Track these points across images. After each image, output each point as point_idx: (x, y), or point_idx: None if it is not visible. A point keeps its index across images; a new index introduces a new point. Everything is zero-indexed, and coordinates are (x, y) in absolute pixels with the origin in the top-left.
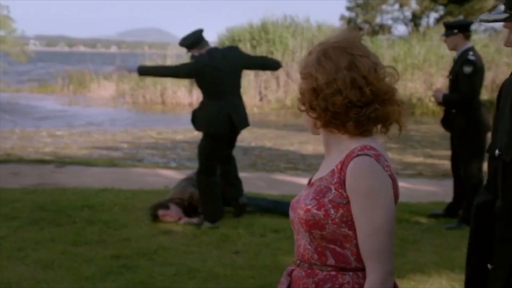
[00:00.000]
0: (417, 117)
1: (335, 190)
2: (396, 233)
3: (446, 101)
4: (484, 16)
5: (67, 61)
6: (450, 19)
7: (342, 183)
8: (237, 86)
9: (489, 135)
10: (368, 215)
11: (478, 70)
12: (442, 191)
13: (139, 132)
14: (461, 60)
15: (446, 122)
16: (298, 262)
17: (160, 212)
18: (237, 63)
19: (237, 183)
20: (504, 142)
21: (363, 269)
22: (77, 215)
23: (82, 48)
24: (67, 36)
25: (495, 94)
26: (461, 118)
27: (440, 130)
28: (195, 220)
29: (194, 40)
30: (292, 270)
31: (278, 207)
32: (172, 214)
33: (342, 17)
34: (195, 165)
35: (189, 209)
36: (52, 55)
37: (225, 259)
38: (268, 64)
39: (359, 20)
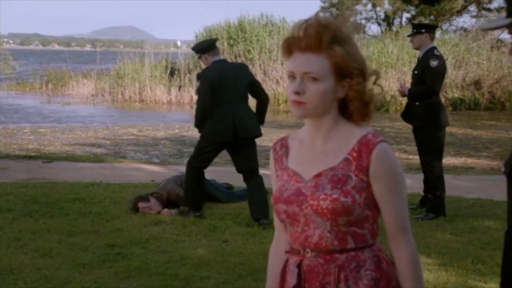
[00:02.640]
0: (391, 114)
1: (355, 176)
2: None
3: (412, 94)
4: (486, 25)
5: (42, 59)
6: (422, 19)
7: (363, 169)
8: (245, 96)
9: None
10: (398, 194)
11: (442, 65)
12: (418, 185)
13: (121, 129)
14: (427, 56)
15: (406, 116)
16: (308, 251)
17: (141, 205)
18: (247, 76)
19: (262, 204)
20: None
21: (373, 244)
22: (69, 208)
23: (56, 46)
24: (41, 34)
25: (465, 92)
26: (422, 111)
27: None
28: (174, 211)
29: (207, 45)
30: (301, 261)
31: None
32: (152, 206)
33: (317, 16)
34: (177, 161)
35: (168, 204)
36: (26, 53)
37: (214, 247)
38: (264, 98)
39: None
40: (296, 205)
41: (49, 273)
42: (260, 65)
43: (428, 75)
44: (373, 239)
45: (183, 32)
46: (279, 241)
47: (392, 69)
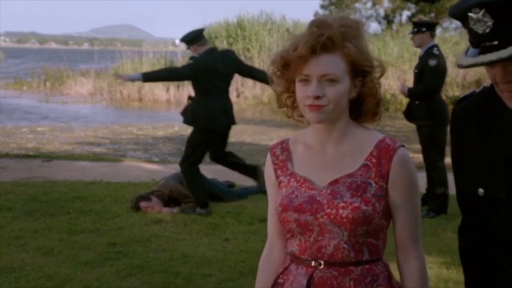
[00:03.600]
0: (391, 112)
1: (375, 184)
2: None
3: (411, 93)
4: (467, 60)
5: (39, 58)
6: (422, 17)
7: (384, 176)
8: (229, 86)
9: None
10: (415, 203)
11: (442, 64)
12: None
13: (120, 128)
14: (427, 55)
15: (408, 114)
16: (321, 263)
17: (142, 204)
18: (233, 65)
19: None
20: (489, 178)
21: (383, 256)
22: (70, 206)
23: (53, 45)
24: (38, 32)
25: (466, 91)
26: (423, 109)
27: (414, 125)
28: (175, 210)
29: (194, 36)
30: (312, 273)
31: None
32: (153, 206)
33: (316, 15)
34: (177, 160)
35: (169, 201)
36: (23, 51)
37: (216, 245)
38: (259, 76)
39: None
40: (309, 214)
41: (51, 271)
42: (259, 63)
43: (426, 74)
44: (383, 251)
45: (181, 30)
46: (272, 252)
47: (392, 68)
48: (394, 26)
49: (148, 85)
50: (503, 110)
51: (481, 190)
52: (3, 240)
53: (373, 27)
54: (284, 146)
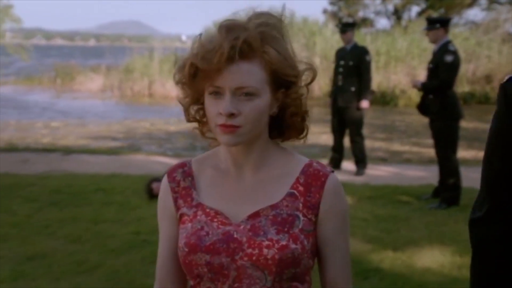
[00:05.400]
0: (401, 108)
1: (303, 216)
2: (389, 212)
3: (425, 88)
4: None
5: (47, 54)
6: (431, 12)
7: (313, 207)
8: None
9: (461, 123)
10: (346, 238)
11: (457, 60)
12: (430, 175)
13: (133, 123)
14: (442, 51)
15: (422, 108)
16: None
17: (155, 185)
18: None
19: None
20: None
21: None
22: (92, 198)
23: (60, 41)
24: (44, 28)
25: (476, 86)
26: (436, 103)
27: (424, 120)
28: None
29: None
30: None
31: None
32: None
33: (325, 11)
34: (190, 154)
35: None
36: (27, 51)
37: None
38: None
39: (341, 14)
40: (225, 255)
41: (81, 257)
42: None
43: (442, 70)
44: None
45: (188, 26)
46: None
47: (401, 63)
48: (404, 22)
49: (159, 81)
50: None
51: None
52: (32, 228)
53: (382, 23)
54: (185, 170)
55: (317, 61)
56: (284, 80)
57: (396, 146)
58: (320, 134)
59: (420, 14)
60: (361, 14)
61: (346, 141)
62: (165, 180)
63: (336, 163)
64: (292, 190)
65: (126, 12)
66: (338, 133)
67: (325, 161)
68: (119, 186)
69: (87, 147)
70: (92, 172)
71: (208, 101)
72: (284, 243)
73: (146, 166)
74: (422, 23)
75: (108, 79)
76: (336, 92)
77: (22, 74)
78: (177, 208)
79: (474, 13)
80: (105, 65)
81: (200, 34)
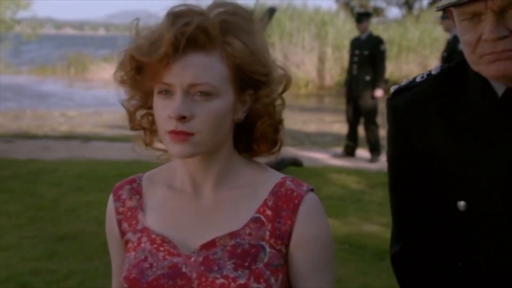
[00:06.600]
0: None
1: (270, 248)
2: None
3: None
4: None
5: (58, 44)
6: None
7: (283, 236)
8: None
9: None
10: (324, 275)
11: None
12: None
13: None
14: (456, 39)
15: None
16: None
17: None
18: None
19: None
20: (477, 189)
21: None
22: (115, 183)
23: (69, 31)
24: (54, 18)
25: None
26: None
27: None
28: None
29: None
30: None
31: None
32: None
33: (337, 0)
34: None
35: None
36: (39, 38)
37: None
38: None
39: (353, 3)
40: None
41: None
42: (281, 49)
43: (455, 58)
44: None
45: None
46: None
47: (413, 53)
48: (415, 11)
49: None
50: (480, 97)
51: (461, 203)
52: (60, 211)
53: (394, 12)
54: (134, 187)
55: (328, 51)
56: (251, 79)
57: None
58: (332, 123)
59: (431, 3)
60: (372, 3)
61: (361, 130)
62: (110, 198)
63: (350, 151)
64: (257, 215)
65: (135, 2)
66: (352, 122)
67: (338, 150)
68: (142, 172)
69: (104, 135)
70: (113, 159)
71: (157, 102)
72: (242, 281)
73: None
74: (434, 13)
75: None
76: (351, 81)
77: (35, 64)
78: (122, 232)
79: None
80: (117, 54)
81: (137, 20)
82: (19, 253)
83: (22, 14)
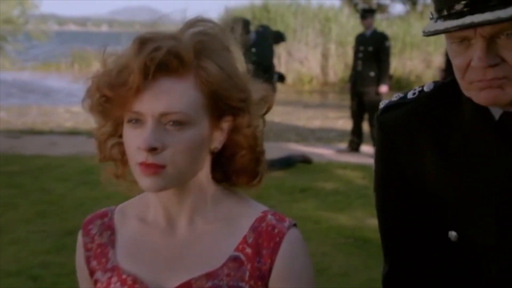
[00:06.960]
0: None
1: None
2: None
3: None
4: (444, 24)
5: (61, 40)
6: None
7: (263, 277)
8: None
9: None
10: None
11: None
12: None
13: None
14: None
15: None
16: None
17: None
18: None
19: None
20: (468, 218)
21: None
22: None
23: (72, 27)
24: (57, 14)
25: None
26: None
27: None
28: None
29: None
30: None
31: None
32: None
33: None
34: None
35: None
36: (49, 36)
37: None
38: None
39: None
40: None
41: None
42: (284, 46)
43: None
44: None
45: (200, 12)
46: None
47: (417, 49)
48: (419, 7)
49: None
50: (475, 120)
51: (453, 234)
52: (68, 206)
53: (398, 8)
54: (105, 222)
55: (332, 47)
56: (228, 106)
57: None
58: (336, 119)
59: None
60: (376, 0)
61: (365, 125)
62: (80, 233)
63: (355, 147)
64: (236, 253)
65: None
66: (357, 117)
67: (343, 145)
68: None
69: None
70: None
71: (127, 131)
72: None
73: None
74: None
75: None
76: (356, 77)
77: (39, 60)
78: (90, 271)
79: None
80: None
81: (105, 47)
82: (28, 247)
83: (28, 12)
